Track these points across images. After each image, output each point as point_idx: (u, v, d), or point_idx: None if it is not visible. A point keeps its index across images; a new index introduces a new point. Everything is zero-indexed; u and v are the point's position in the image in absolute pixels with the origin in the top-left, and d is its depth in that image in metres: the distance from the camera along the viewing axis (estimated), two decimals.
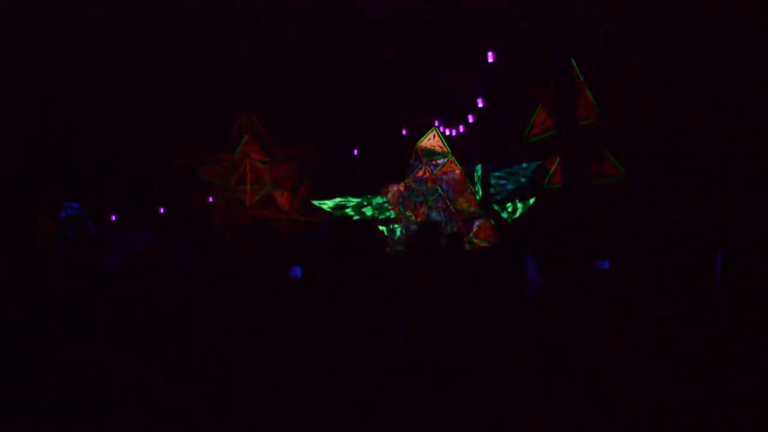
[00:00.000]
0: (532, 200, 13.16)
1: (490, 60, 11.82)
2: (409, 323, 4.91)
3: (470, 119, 13.85)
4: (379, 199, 14.22)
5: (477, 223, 13.32)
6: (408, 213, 13.67)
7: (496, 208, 13.43)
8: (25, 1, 13.30)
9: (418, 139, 13.98)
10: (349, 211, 14.30)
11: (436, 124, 14.17)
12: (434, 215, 13.33)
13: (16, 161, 14.19)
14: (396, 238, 13.61)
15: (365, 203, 14.27)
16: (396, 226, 13.80)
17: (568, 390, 5.32)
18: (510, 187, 13.46)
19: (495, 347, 5.38)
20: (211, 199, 15.96)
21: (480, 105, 13.38)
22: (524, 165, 13.36)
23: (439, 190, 13.49)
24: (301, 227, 15.32)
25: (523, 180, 13.33)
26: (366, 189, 14.41)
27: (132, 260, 6.45)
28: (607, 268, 9.30)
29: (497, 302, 5.61)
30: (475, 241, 13.15)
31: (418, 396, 4.91)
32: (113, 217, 16.73)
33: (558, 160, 12.05)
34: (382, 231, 13.95)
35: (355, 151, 15.86)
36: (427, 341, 4.84)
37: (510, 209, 13.38)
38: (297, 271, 8.65)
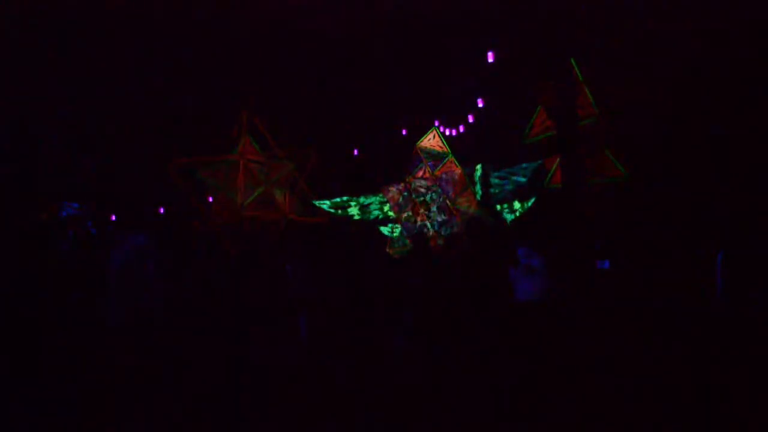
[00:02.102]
0: (532, 200, 13.15)
1: (490, 60, 11.81)
2: (414, 323, 4.91)
3: (470, 119, 13.84)
4: (378, 199, 14.20)
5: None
6: (408, 213, 13.65)
7: (496, 208, 13.41)
8: (23, 1, 13.30)
9: (418, 139, 13.96)
10: (349, 211, 14.28)
11: (436, 124, 14.15)
12: (434, 215, 13.31)
13: (16, 161, 14.18)
14: (396, 238, 13.60)
15: (365, 203, 14.25)
16: (396, 226, 13.79)
17: (567, 390, 5.32)
18: (510, 187, 13.43)
19: (495, 347, 5.38)
20: (210, 200, 15.92)
21: (480, 105, 13.37)
22: (524, 165, 13.34)
23: (439, 190, 13.47)
24: (300, 227, 15.26)
25: (523, 180, 13.31)
26: (366, 189, 14.38)
27: (134, 260, 6.43)
28: (607, 268, 9.29)
29: (494, 302, 5.61)
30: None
31: (417, 396, 4.90)
32: (113, 217, 16.72)
33: (558, 160, 12.03)
34: (382, 231, 13.94)
35: (355, 151, 15.84)
36: (429, 340, 4.83)
37: (510, 209, 13.37)
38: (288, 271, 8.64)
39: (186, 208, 15.36)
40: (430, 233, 12.84)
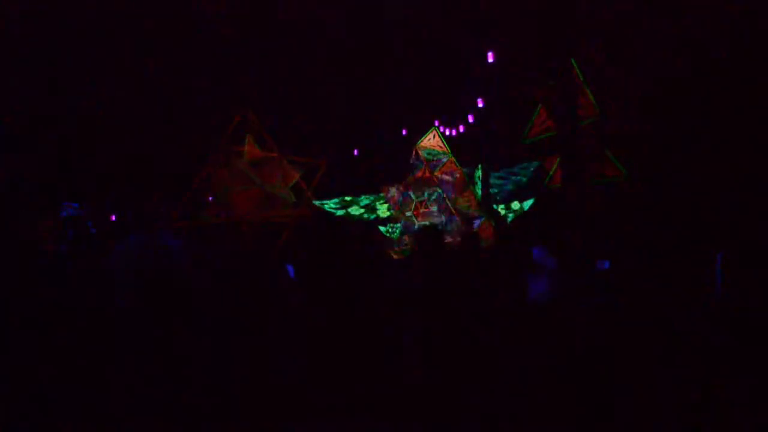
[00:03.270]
0: (532, 200, 13.15)
1: (490, 60, 11.82)
2: (414, 326, 4.90)
3: (470, 119, 13.84)
4: (378, 199, 14.19)
5: (477, 223, 13.31)
6: (408, 213, 13.65)
7: (496, 208, 13.40)
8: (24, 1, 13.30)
9: (418, 139, 13.96)
10: (348, 211, 14.27)
11: (436, 124, 14.15)
12: (434, 215, 13.30)
13: (16, 161, 14.17)
14: (396, 238, 13.59)
15: (365, 203, 14.24)
16: (396, 226, 13.78)
17: (569, 391, 5.32)
18: (510, 187, 13.43)
19: (499, 350, 5.37)
20: (210, 199, 15.90)
21: (480, 105, 13.37)
22: (524, 165, 13.34)
23: (439, 190, 13.47)
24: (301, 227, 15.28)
25: (523, 180, 13.31)
26: (366, 189, 14.38)
27: (136, 261, 6.43)
28: (607, 268, 9.29)
29: (499, 304, 5.60)
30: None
31: (420, 399, 4.89)
32: (113, 217, 16.71)
33: (558, 160, 12.05)
34: (382, 231, 13.94)
35: (355, 151, 15.84)
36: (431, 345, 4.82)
37: (510, 209, 13.36)
38: (290, 271, 8.61)
39: (193, 206, 15.36)
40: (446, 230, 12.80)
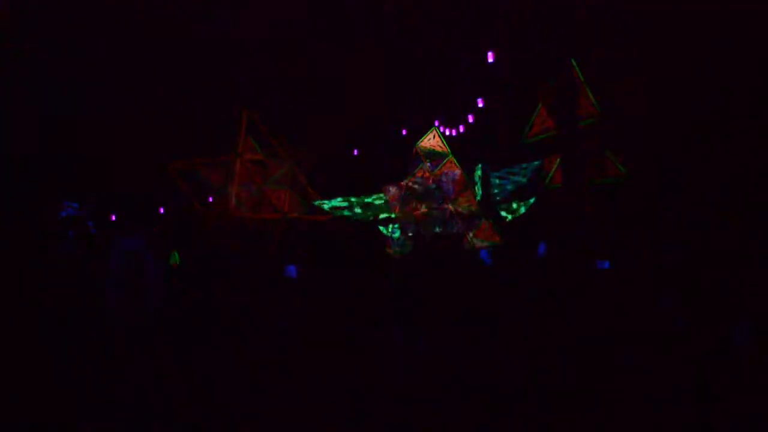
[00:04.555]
0: (532, 200, 13.14)
1: (491, 60, 11.83)
2: (413, 324, 4.91)
3: (470, 119, 13.84)
4: (378, 199, 14.18)
5: (477, 223, 13.30)
6: (408, 213, 13.64)
7: (496, 208, 13.40)
8: (26, 0, 13.30)
9: (418, 139, 13.96)
10: (350, 210, 14.27)
11: (436, 124, 14.16)
12: (434, 215, 13.30)
13: (17, 161, 14.18)
14: (396, 238, 13.58)
15: (365, 203, 14.24)
16: (396, 226, 13.77)
17: (569, 389, 5.33)
18: (510, 187, 13.43)
19: (499, 347, 5.38)
20: (210, 200, 15.92)
21: (480, 105, 13.38)
22: (524, 165, 13.33)
23: (439, 190, 13.46)
24: (300, 226, 15.30)
25: (523, 180, 13.31)
26: (366, 189, 14.39)
27: (129, 263, 6.46)
28: (607, 268, 9.30)
29: (503, 302, 5.61)
30: (475, 241, 13.13)
31: (417, 392, 4.90)
32: (113, 217, 16.70)
33: (558, 160, 12.06)
34: (382, 231, 13.93)
35: (355, 151, 15.84)
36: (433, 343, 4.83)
37: (510, 209, 13.36)
38: (292, 271, 8.63)
39: (186, 208, 15.39)
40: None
